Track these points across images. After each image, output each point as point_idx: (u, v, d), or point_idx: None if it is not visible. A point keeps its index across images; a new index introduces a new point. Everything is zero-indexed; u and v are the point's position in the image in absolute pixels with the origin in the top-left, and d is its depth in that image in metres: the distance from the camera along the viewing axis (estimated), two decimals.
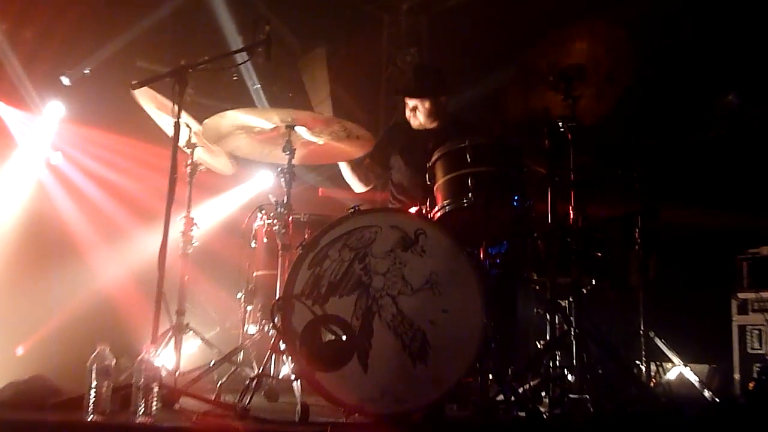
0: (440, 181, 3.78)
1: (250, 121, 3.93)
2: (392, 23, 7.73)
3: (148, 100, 4.43)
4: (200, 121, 4.16)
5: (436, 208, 3.76)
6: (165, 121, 4.51)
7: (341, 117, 3.96)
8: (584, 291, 4.03)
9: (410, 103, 4.79)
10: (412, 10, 7.65)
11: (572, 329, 3.63)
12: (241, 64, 4.04)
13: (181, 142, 4.39)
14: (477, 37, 6.59)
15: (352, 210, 3.50)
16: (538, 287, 4.17)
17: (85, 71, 6.34)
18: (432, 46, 7.41)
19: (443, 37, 7.21)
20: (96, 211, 5.99)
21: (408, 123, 4.95)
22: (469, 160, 3.69)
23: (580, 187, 3.80)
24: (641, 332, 4.23)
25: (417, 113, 4.78)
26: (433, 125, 4.82)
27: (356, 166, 4.87)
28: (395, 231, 3.43)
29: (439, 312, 3.33)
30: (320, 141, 4.07)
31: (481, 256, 3.75)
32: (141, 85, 3.81)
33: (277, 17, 6.75)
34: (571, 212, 3.78)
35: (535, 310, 4.23)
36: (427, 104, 4.75)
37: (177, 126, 3.64)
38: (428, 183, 3.85)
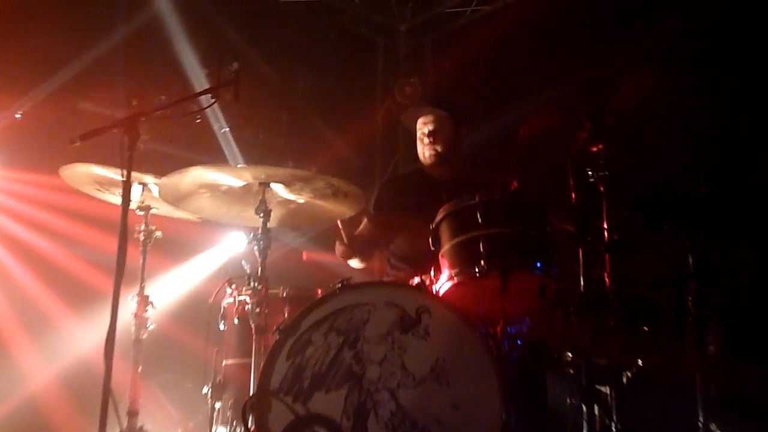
0: (446, 246, 3.86)
1: (216, 179, 4.05)
2: (389, 49, 7.88)
3: (82, 180, 4.56)
4: (157, 174, 4.29)
5: (442, 280, 3.83)
6: (110, 193, 4.64)
7: (328, 167, 4.06)
8: (627, 375, 4.06)
9: (426, 127, 4.86)
10: (412, 31, 7.81)
11: (613, 424, 3.66)
12: (206, 108, 4.18)
13: (133, 204, 4.50)
14: (492, 64, 6.75)
15: (340, 284, 3.58)
16: (571, 371, 4.20)
17: (16, 115, 6.49)
18: (437, 74, 7.55)
19: (450, 64, 7.36)
20: (23, 291, 6.06)
21: (415, 172, 5.05)
22: (480, 219, 3.77)
23: (617, 248, 3.87)
24: (700, 426, 4.24)
25: (434, 140, 4.83)
26: (446, 172, 4.90)
27: (352, 242, 4.81)
28: (392, 309, 3.51)
29: (448, 408, 3.38)
30: (300, 200, 4.18)
31: (499, 336, 3.79)
32: (83, 138, 3.90)
33: (249, 44, 6.94)
34: (607, 279, 3.84)
35: (569, 401, 4.25)
36: (448, 127, 4.85)
37: (127, 185, 3.72)
38: (432, 248, 3.93)
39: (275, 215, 4.13)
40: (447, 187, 4.78)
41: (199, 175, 4.01)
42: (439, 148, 4.86)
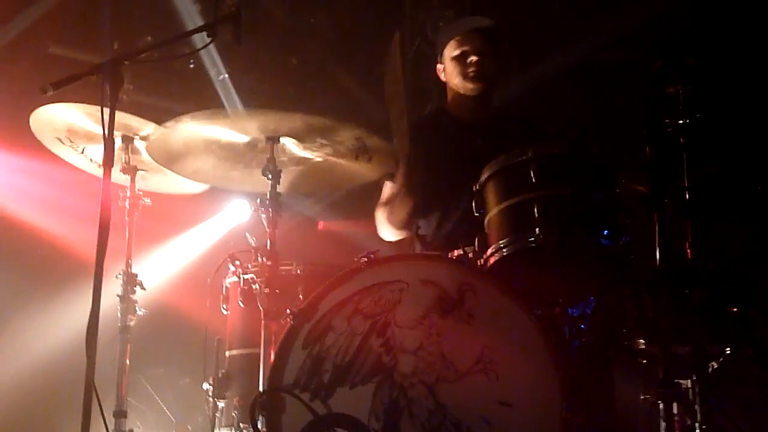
0: (493, 211, 3.82)
1: (214, 133, 4.02)
2: None
3: (48, 130, 4.55)
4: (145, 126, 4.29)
5: (489, 251, 3.79)
6: (81, 149, 4.63)
7: (346, 119, 4.00)
8: (713, 365, 4.03)
9: (470, 43, 4.80)
10: None
11: (698, 425, 3.63)
12: (200, 50, 4.14)
13: (116, 167, 4.49)
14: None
15: (365, 259, 3.55)
16: (644, 362, 4.17)
17: None
18: (478, 6, 7.48)
19: None
20: None
21: (439, 113, 5.02)
22: (534, 178, 3.73)
23: (700, 213, 3.82)
24: None
25: (481, 59, 4.78)
26: (479, 110, 4.88)
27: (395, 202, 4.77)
28: (429, 288, 3.50)
29: (497, 405, 3.37)
30: (316, 158, 4.14)
31: (558, 320, 3.78)
32: (56, 86, 3.89)
33: None
34: (688, 250, 3.80)
35: (642, 397, 4.22)
36: (496, 46, 4.81)
37: (109, 143, 3.71)
38: (476, 214, 3.90)
39: (285, 179, 4.11)
40: (477, 127, 4.79)
41: (192, 128, 3.96)
42: (486, 69, 4.80)
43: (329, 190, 5.34)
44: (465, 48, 4.80)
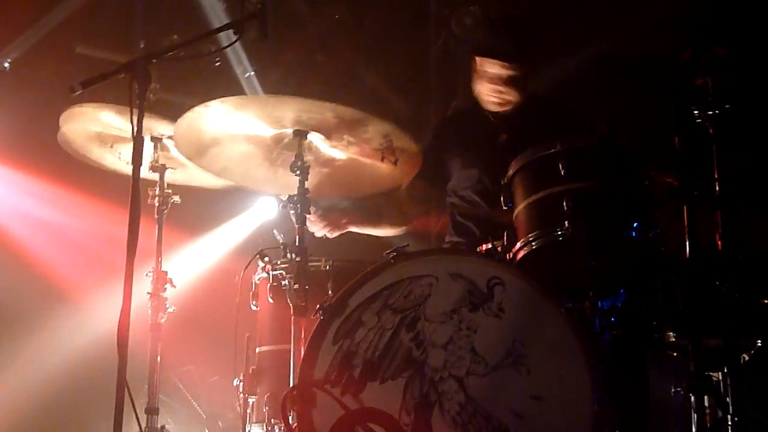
0: (521, 204, 3.83)
1: (241, 123, 4.01)
2: None
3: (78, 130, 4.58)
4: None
5: (518, 245, 3.80)
6: (110, 144, 4.68)
7: (380, 115, 3.99)
8: (745, 358, 4.02)
9: (501, 70, 4.75)
10: None
11: (729, 417, 3.61)
12: (226, 47, 4.16)
13: (145, 165, 4.52)
14: None
15: (394, 253, 3.56)
16: (675, 354, 4.16)
17: (5, 65, 6.56)
18: (504, 2, 7.45)
19: None
20: (24, 266, 6.16)
21: (471, 111, 5.02)
22: (562, 171, 3.73)
23: (731, 204, 3.81)
24: None
25: (506, 89, 4.75)
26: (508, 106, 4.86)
27: (386, 201, 4.87)
28: (459, 282, 3.51)
29: (528, 399, 3.38)
30: (342, 155, 4.15)
31: (588, 313, 3.77)
32: (85, 85, 3.92)
33: None
34: (719, 242, 3.78)
35: (673, 389, 4.22)
36: (526, 74, 4.77)
37: (138, 141, 3.73)
38: (504, 207, 3.90)
39: (310, 181, 4.10)
40: (502, 124, 4.80)
41: (222, 115, 3.94)
42: (512, 97, 4.77)
43: (353, 195, 5.32)
44: (491, 73, 4.75)
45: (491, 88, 4.78)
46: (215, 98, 3.93)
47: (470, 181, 4.82)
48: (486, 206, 4.71)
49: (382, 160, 4.08)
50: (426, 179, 4.87)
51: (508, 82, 4.74)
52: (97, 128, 4.59)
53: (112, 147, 4.71)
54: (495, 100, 4.80)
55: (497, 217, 4.12)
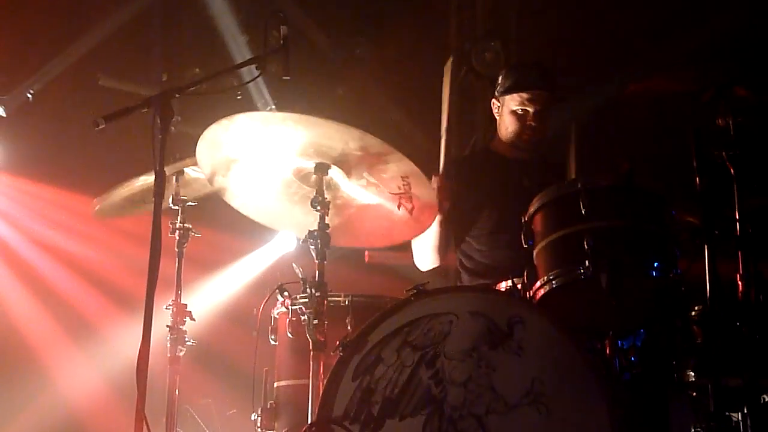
0: (542, 243, 3.83)
1: (262, 148, 4.03)
2: (463, 6, 7.82)
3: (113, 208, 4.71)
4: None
5: (538, 284, 3.80)
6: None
7: (399, 149, 4.00)
8: (765, 399, 4.00)
9: (531, 106, 4.84)
10: None
11: None
12: (249, 83, 4.19)
13: (166, 198, 4.56)
14: (590, 22, 6.68)
15: (415, 290, 3.57)
16: (695, 394, 4.14)
17: (28, 94, 6.62)
18: (524, 38, 7.49)
19: (539, 24, 7.28)
20: (47, 299, 6.20)
21: (488, 151, 5.07)
22: (583, 210, 3.74)
23: (752, 244, 3.80)
24: None
25: (539, 121, 4.83)
26: (523, 151, 4.92)
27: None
28: (479, 320, 3.51)
29: None
30: (360, 197, 4.16)
31: (608, 352, 3.77)
32: (108, 119, 3.95)
33: (296, 6, 6.96)
34: (740, 282, 3.78)
35: (693, 430, 4.19)
36: (552, 106, 4.86)
37: (160, 174, 3.75)
38: (525, 245, 3.91)
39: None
40: (525, 167, 4.85)
41: (246, 131, 3.96)
42: (541, 132, 4.86)
43: (365, 245, 5.32)
44: (527, 108, 4.84)
45: (528, 125, 4.85)
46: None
47: (484, 222, 4.85)
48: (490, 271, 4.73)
49: (399, 207, 4.10)
50: (454, 220, 4.90)
51: (536, 114, 4.83)
52: (127, 199, 4.74)
53: (145, 203, 4.76)
54: (529, 134, 4.86)
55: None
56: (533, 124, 4.84)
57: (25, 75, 6.59)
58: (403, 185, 4.04)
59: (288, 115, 4.09)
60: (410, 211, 4.11)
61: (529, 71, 4.97)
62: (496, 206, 4.85)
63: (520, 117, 4.86)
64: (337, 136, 3.94)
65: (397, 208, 4.11)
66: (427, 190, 4.06)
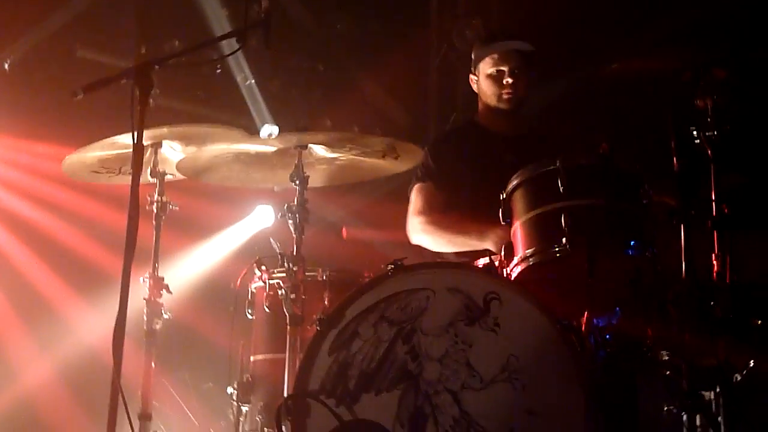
0: (520, 220, 3.85)
1: (245, 148, 4.07)
2: None
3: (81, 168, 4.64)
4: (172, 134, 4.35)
5: (515, 261, 3.83)
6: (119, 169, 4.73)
7: (372, 125, 4.06)
8: (737, 378, 4.03)
9: (506, 64, 4.86)
10: None
11: None
12: (228, 56, 4.18)
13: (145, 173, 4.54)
14: (572, 5, 6.69)
15: (392, 266, 3.58)
16: (668, 373, 4.17)
17: (5, 65, 6.57)
18: (505, 15, 7.47)
19: (521, 1, 7.27)
20: (19, 273, 6.17)
21: (468, 125, 5.09)
22: (562, 188, 3.76)
23: (728, 225, 3.83)
24: None
25: (515, 80, 4.84)
26: (508, 124, 4.94)
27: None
28: (455, 296, 3.52)
29: (523, 413, 3.39)
30: (344, 157, 4.19)
31: (583, 330, 3.79)
32: (87, 90, 3.93)
33: None
34: (715, 262, 3.81)
35: (665, 408, 4.23)
36: (529, 66, 4.88)
37: (139, 146, 3.74)
38: (503, 223, 3.93)
39: (315, 176, 4.19)
40: (509, 143, 4.85)
41: (222, 148, 4.04)
42: (519, 90, 4.87)
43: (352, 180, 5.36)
44: (501, 67, 4.85)
45: (506, 83, 4.85)
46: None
47: (465, 197, 4.86)
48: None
49: (383, 157, 4.13)
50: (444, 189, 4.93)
51: (520, 72, 4.84)
52: (98, 162, 4.65)
53: (119, 173, 4.74)
54: (508, 94, 4.86)
55: None
56: (510, 80, 4.84)
57: (1, 46, 6.53)
58: (386, 146, 4.10)
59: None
60: (395, 158, 4.20)
61: (497, 32, 5.02)
62: (475, 181, 4.84)
63: (496, 78, 4.87)
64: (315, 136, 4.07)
65: (382, 158, 4.19)
66: (411, 146, 4.15)
